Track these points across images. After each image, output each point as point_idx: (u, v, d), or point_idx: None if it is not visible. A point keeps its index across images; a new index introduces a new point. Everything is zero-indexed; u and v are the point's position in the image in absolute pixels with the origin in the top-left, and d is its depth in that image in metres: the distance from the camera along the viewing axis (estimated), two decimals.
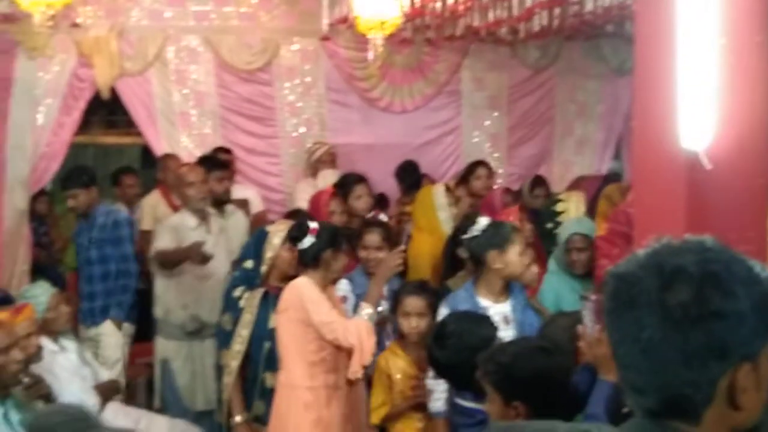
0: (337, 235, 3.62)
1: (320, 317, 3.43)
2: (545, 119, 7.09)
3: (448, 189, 5.08)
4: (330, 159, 5.99)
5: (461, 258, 4.09)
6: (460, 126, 6.86)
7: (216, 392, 4.54)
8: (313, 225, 3.62)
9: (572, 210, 4.75)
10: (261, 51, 6.14)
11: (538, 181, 6.18)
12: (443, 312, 3.34)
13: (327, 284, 3.62)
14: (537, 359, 2.40)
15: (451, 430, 2.95)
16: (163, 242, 4.73)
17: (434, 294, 3.74)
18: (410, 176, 6.14)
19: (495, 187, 5.86)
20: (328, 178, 5.59)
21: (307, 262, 3.53)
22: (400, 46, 6.40)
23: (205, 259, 4.58)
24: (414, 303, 3.62)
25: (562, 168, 7.13)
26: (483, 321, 3.04)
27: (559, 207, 4.75)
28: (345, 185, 4.86)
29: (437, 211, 4.88)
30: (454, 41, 6.44)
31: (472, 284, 3.48)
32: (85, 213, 4.99)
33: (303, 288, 3.50)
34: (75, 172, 5.07)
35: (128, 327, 5.00)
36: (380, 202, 5.91)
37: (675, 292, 1.11)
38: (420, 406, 3.52)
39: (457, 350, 2.82)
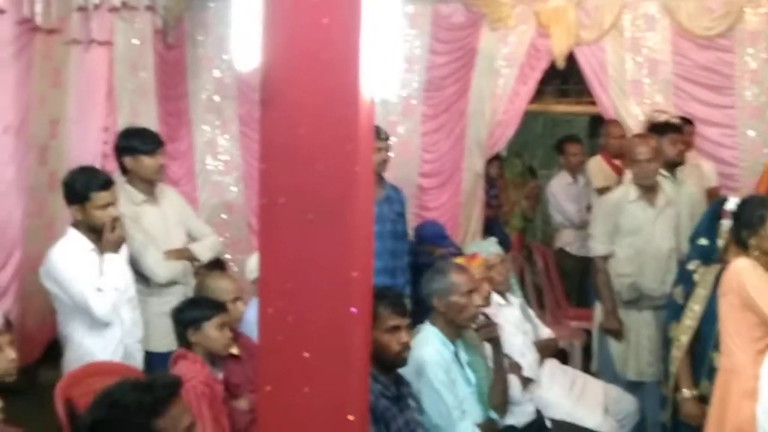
0: (751, 215, 3.35)
1: (764, 306, 3.21)
2: None
3: None
4: None
5: None
6: None
7: (653, 365, 4.49)
8: (728, 206, 3.42)
9: None
10: (722, 15, 5.78)
11: None
12: None
13: None
14: None
15: None
16: (599, 226, 4.76)
17: None
18: None
19: None
20: None
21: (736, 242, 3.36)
22: None
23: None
24: None
25: None
26: None
27: None
28: None
29: None
30: None
31: None
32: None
33: (742, 271, 3.31)
34: None
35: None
36: None
37: None
38: None
39: None
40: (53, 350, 4.13)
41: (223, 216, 6.07)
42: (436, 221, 5.70)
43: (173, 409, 2.11)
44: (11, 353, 2.86)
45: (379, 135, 4.43)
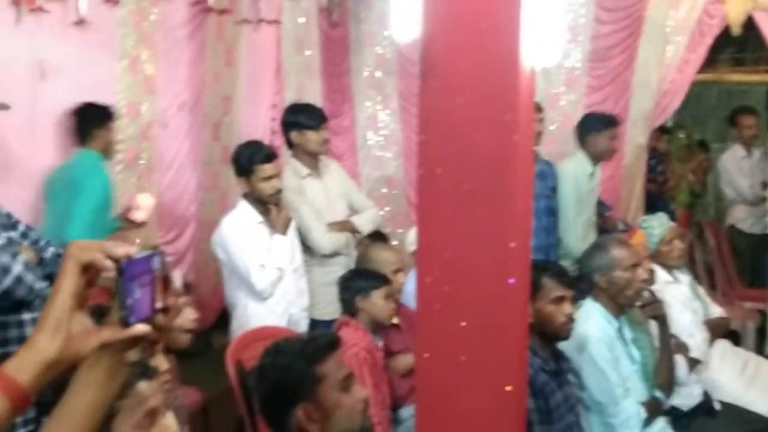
0: None
1: None
2: None
3: None
4: None
5: None
6: None
7: None
8: None
9: None
10: None
11: None
12: None
13: None
14: None
15: None
16: None
17: None
18: None
19: None
20: None
21: None
22: None
23: None
24: None
25: None
26: None
27: None
28: None
29: None
30: None
31: None
32: None
33: None
34: None
35: None
36: None
37: None
38: None
39: None
40: (225, 316, 4.35)
41: (384, 190, 6.18)
42: None
43: (332, 359, 2.23)
44: (191, 313, 3.04)
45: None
